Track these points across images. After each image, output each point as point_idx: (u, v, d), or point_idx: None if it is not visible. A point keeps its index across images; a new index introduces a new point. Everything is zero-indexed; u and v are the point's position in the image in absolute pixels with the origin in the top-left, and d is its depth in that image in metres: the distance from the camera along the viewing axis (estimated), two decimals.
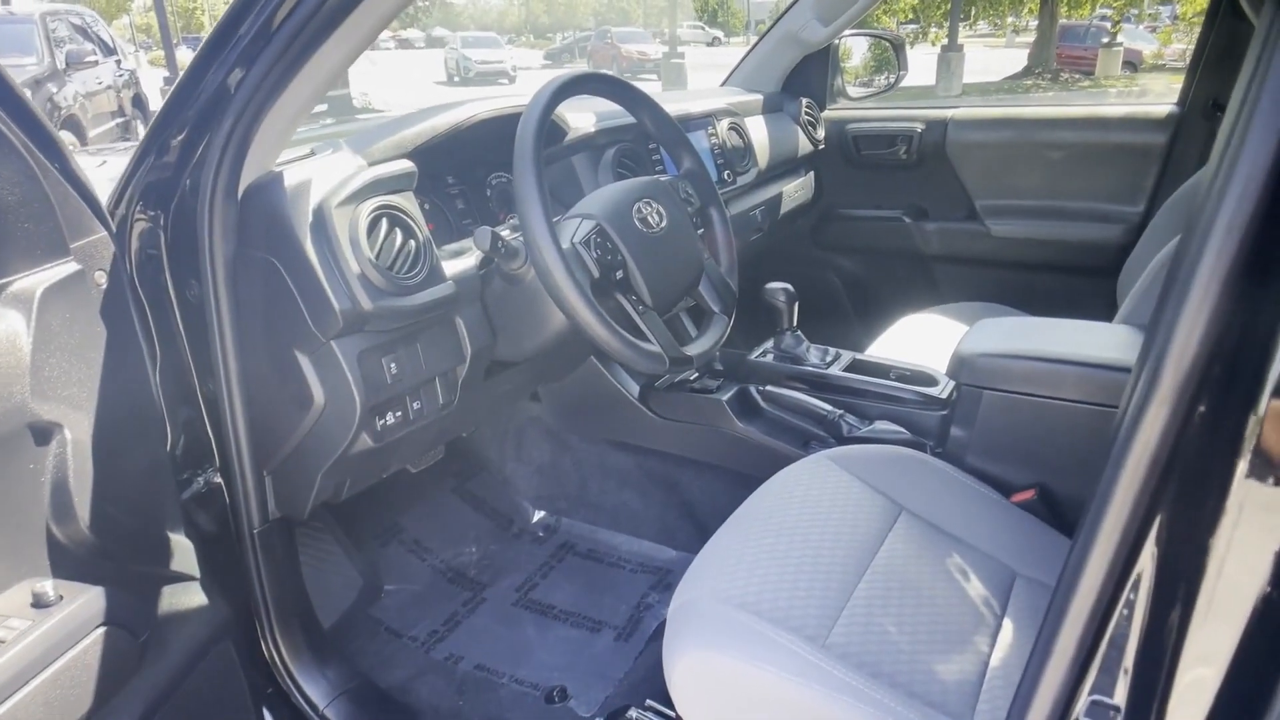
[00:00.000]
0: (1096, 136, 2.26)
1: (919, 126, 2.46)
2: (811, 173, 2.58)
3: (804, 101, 2.49)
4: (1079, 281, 2.35)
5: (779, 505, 1.13)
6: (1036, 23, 18.89)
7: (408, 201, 1.12)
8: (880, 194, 2.59)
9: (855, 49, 3.03)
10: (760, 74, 2.51)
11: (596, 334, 1.08)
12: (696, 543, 1.90)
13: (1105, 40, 18.09)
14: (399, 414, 1.15)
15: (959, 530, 1.14)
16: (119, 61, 9.39)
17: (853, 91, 2.74)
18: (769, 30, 2.49)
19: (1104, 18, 19.68)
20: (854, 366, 1.67)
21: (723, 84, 2.60)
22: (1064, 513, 1.33)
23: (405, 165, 1.13)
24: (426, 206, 1.33)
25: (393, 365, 1.12)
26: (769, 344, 1.75)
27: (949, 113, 2.44)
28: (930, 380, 1.60)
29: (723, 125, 2.03)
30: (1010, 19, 22.50)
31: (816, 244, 2.71)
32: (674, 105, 1.87)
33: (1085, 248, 2.31)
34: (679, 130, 1.41)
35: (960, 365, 1.38)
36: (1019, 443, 1.38)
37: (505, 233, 1.17)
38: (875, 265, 2.67)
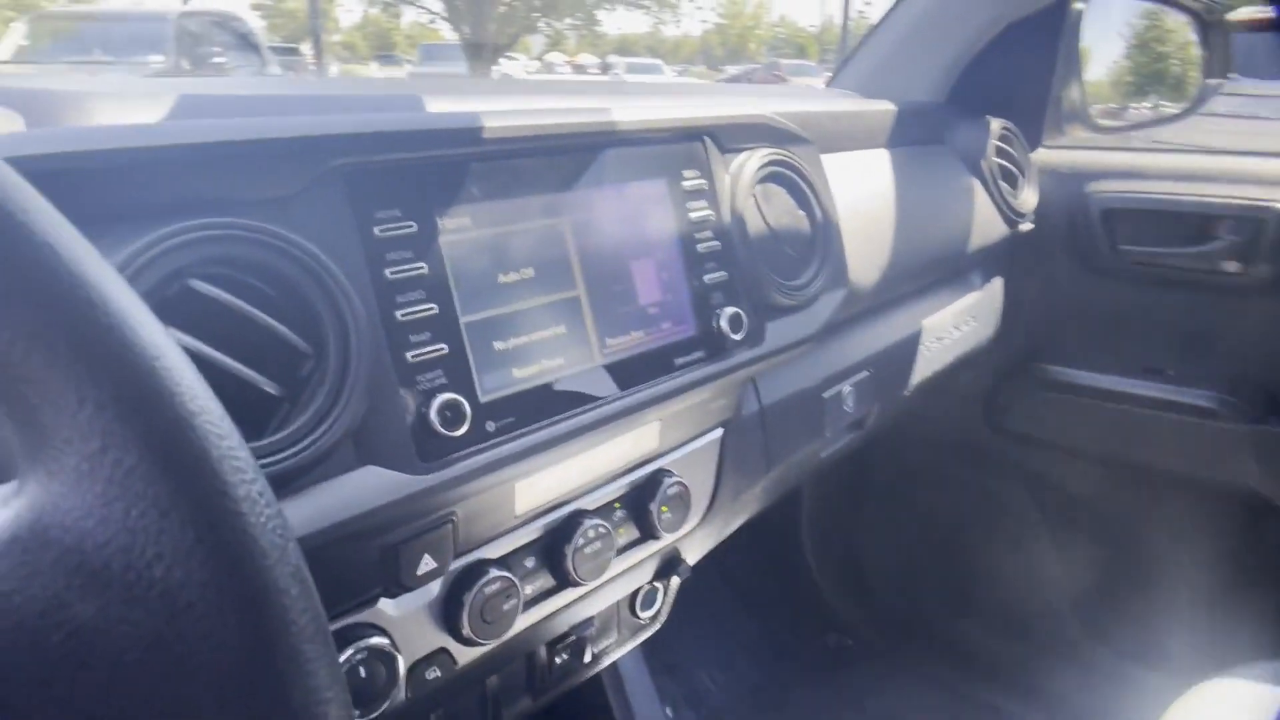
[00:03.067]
0: None
1: (1276, 199, 1.02)
2: (999, 282, 1.19)
3: (994, 127, 1.12)
4: None
5: None
6: None
7: None
8: (1162, 346, 1.16)
9: (1099, 39, 1.57)
10: (899, 67, 1.16)
11: None
12: None
13: None
14: None
15: None
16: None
17: (1102, 120, 1.33)
18: None
19: None
20: None
21: (829, 84, 1.28)
22: None
23: None
24: None
25: None
26: None
27: None
28: None
29: (739, 169, 0.70)
30: None
31: (993, 428, 1.30)
32: (561, 105, 0.59)
33: None
34: None
35: None
36: None
37: None
38: (1140, 506, 1.23)
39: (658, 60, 26.51)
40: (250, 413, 0.42)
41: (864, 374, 0.93)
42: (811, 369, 0.85)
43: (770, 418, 0.81)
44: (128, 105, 0.46)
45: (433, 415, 0.47)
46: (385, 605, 0.52)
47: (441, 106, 0.56)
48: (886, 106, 1.02)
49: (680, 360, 0.63)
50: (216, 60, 8.22)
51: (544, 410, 0.54)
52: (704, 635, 1.46)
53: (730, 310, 0.65)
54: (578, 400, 0.56)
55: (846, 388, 0.90)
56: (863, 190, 0.89)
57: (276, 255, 0.42)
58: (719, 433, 0.74)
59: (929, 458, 1.38)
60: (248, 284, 0.42)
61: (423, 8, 15.05)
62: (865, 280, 0.85)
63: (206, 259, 0.41)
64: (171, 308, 0.40)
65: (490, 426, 0.51)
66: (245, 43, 9.13)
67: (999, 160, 1.11)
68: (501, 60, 21.64)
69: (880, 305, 0.96)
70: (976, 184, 1.09)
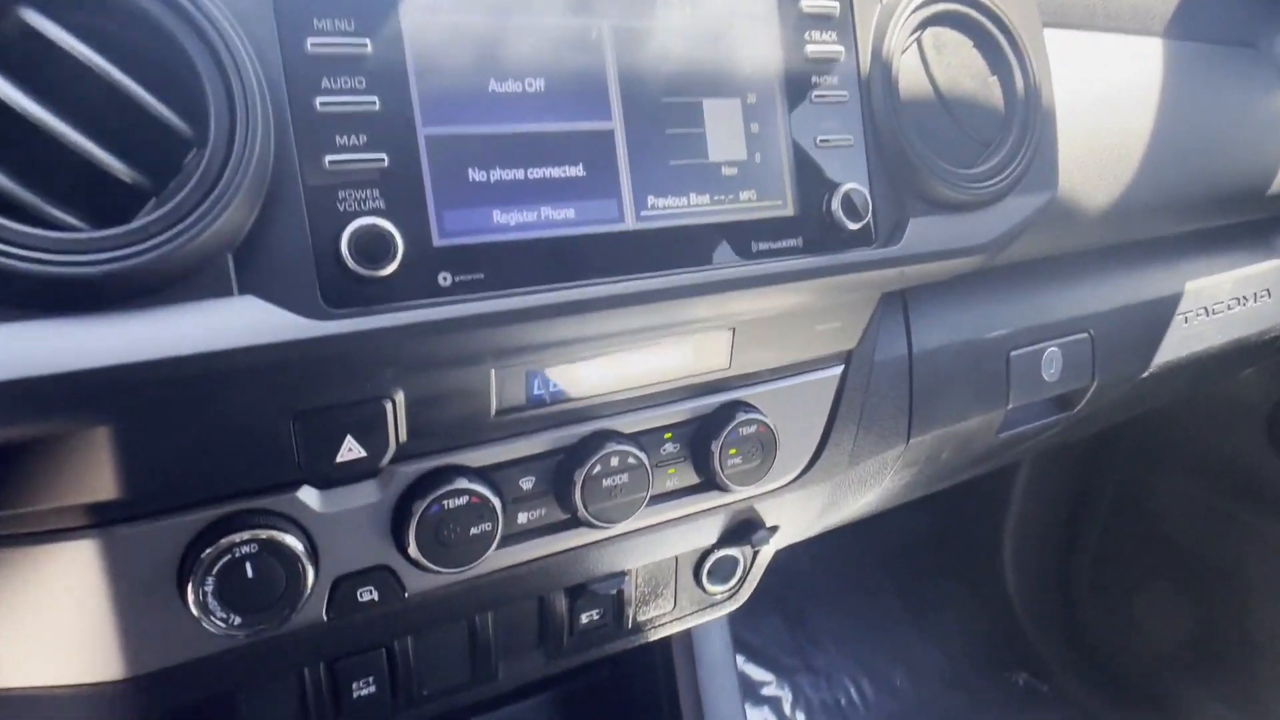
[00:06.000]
0: None
1: None
2: None
3: None
4: None
5: None
6: None
7: None
8: None
9: None
10: None
11: None
12: None
13: None
14: None
15: None
16: None
17: None
18: None
19: None
20: None
21: None
22: None
23: None
24: None
25: None
26: None
27: None
28: None
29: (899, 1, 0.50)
30: None
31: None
32: None
33: None
34: None
35: None
36: None
37: None
38: None
39: None
40: (107, 196, 0.32)
41: (1081, 335, 0.68)
42: (995, 310, 0.63)
43: (923, 367, 0.61)
44: None
45: (344, 243, 0.35)
46: (308, 496, 0.41)
47: None
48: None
49: (762, 245, 0.45)
50: None
51: (531, 272, 0.40)
52: (862, 639, 1.26)
53: (849, 187, 0.46)
54: (586, 269, 0.41)
55: (1051, 349, 0.67)
56: (1109, 83, 0.64)
57: (153, 2, 0.32)
58: (836, 370, 0.56)
59: (1181, 479, 1.06)
60: (122, 39, 0.32)
61: None
62: (1088, 199, 0.61)
63: None
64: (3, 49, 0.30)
65: (444, 279, 0.38)
66: None
67: None
68: None
69: (1117, 248, 0.70)
70: None
